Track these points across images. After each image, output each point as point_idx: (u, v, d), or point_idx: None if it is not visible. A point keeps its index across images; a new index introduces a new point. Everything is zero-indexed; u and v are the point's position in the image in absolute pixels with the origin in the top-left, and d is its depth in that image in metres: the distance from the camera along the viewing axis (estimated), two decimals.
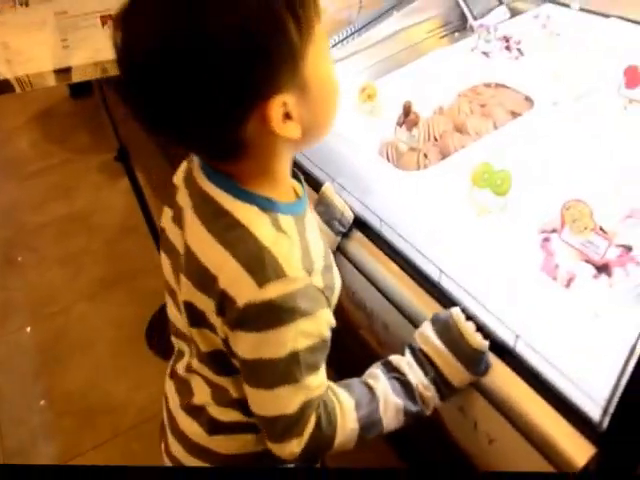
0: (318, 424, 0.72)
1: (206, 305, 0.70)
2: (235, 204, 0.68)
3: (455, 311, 0.84)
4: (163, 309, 0.89)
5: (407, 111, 1.28)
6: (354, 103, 1.37)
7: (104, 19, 1.48)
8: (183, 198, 0.76)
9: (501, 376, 0.82)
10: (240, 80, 0.59)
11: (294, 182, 0.78)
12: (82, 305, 2.16)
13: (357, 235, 1.08)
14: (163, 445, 0.94)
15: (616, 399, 0.68)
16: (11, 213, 2.68)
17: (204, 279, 0.69)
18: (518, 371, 0.81)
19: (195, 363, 0.82)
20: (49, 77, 1.48)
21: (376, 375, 0.82)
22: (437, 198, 1.04)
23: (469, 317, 0.85)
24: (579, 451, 0.73)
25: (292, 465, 0.80)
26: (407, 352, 0.85)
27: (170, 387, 0.90)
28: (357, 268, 1.05)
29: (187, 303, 0.74)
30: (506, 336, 0.83)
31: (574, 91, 1.26)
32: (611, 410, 0.70)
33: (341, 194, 1.09)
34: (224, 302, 0.67)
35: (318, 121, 0.70)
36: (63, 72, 1.48)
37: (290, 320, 0.66)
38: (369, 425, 0.77)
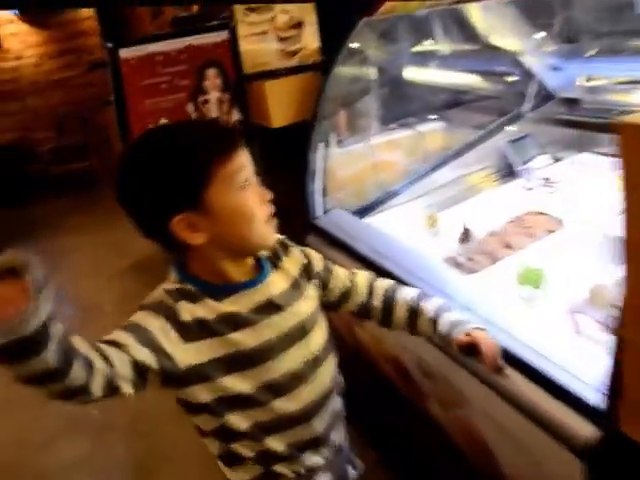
0: None
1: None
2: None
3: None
4: None
5: (467, 233, 1.65)
6: (423, 228, 1.76)
7: None
8: None
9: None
10: (153, 205, 0.86)
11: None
12: (170, 425, 2.36)
13: None
14: None
15: None
16: None
17: None
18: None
19: None
20: None
21: None
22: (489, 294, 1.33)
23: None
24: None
25: None
26: None
27: None
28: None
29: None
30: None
31: (597, 215, 1.55)
32: None
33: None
34: None
35: (229, 234, 0.88)
36: None
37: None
38: None
